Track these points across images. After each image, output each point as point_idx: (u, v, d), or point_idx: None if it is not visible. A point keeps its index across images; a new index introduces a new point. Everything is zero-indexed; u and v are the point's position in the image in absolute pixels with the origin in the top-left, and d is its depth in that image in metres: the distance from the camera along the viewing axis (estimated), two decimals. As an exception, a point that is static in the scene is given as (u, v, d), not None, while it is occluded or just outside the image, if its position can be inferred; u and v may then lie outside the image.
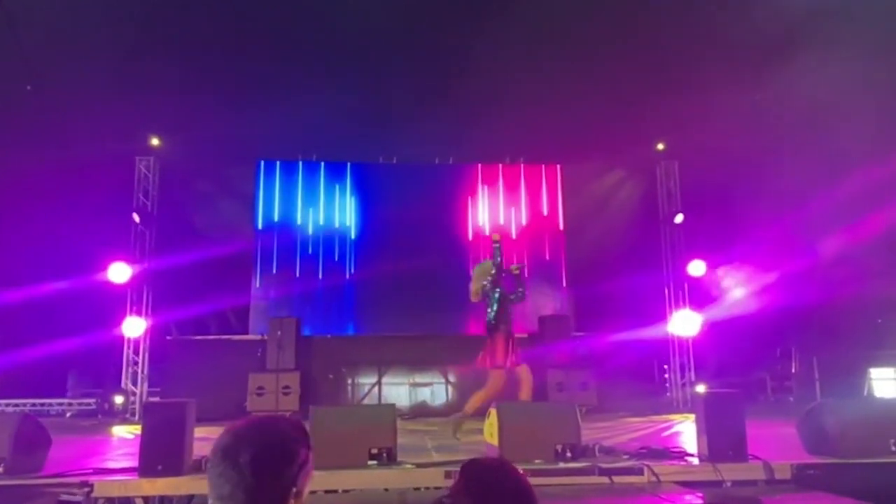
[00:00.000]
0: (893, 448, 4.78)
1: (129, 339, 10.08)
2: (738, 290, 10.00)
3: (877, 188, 7.79)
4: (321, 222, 11.38)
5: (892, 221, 8.01)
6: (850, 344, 9.64)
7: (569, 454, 4.80)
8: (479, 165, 11.70)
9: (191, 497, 4.64)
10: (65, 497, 4.16)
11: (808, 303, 9.06)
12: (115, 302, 9.92)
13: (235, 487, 1.33)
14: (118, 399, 9.99)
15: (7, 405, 9.89)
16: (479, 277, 6.57)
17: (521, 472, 1.65)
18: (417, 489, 4.57)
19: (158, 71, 7.86)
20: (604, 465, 4.62)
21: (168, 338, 10.23)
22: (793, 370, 10.90)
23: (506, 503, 1.54)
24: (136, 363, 10.11)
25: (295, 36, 7.60)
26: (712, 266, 10.41)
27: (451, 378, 10.21)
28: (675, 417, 8.73)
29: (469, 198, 11.62)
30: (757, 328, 9.63)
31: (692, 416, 6.30)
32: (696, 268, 10.48)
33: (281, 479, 1.37)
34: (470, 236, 11.52)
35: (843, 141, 7.44)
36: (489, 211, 11.64)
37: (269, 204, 11.29)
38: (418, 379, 10.19)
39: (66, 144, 8.74)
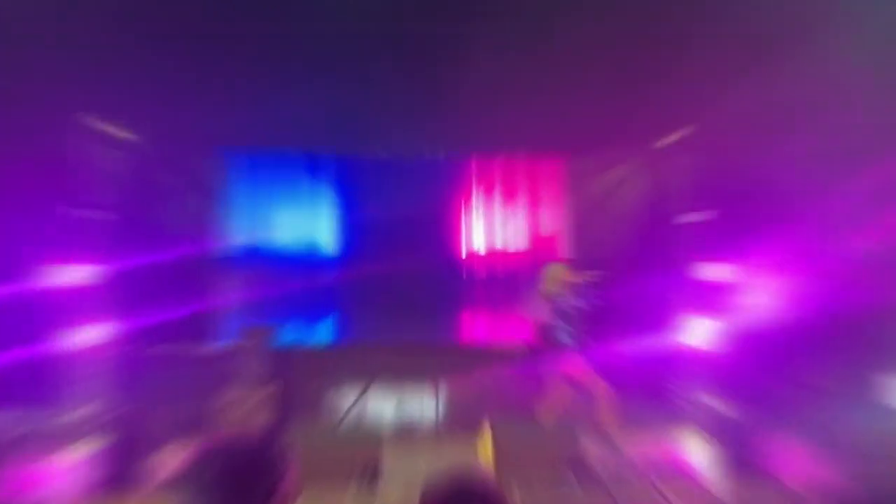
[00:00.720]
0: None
1: (83, 351, 10.06)
2: (757, 295, 10.13)
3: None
4: (299, 220, 11.35)
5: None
6: (879, 354, 9.74)
7: (572, 475, 4.89)
8: (475, 159, 11.74)
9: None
10: None
11: (835, 309, 9.14)
12: (68, 309, 9.89)
13: None
14: (75, 416, 9.98)
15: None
16: (550, 280, 6.72)
17: (491, 484, 1.71)
18: (404, 511, 4.64)
19: (119, 54, 7.87)
20: (609, 486, 4.72)
21: (128, 348, 10.21)
22: (815, 382, 11.02)
23: None
24: (93, 376, 10.09)
25: (273, 15, 7.64)
26: (728, 269, 10.52)
27: (442, 393, 10.27)
28: (685, 433, 8.84)
29: (462, 194, 11.67)
30: (775, 337, 9.74)
31: (702, 432, 6.43)
32: (711, 271, 10.61)
33: (251, 497, 1.39)
34: (463, 237, 11.59)
35: (877, 134, 7.52)
36: (484, 208, 11.72)
37: (241, 200, 11.21)
38: (406, 393, 10.25)
39: (16, 138, 8.73)
